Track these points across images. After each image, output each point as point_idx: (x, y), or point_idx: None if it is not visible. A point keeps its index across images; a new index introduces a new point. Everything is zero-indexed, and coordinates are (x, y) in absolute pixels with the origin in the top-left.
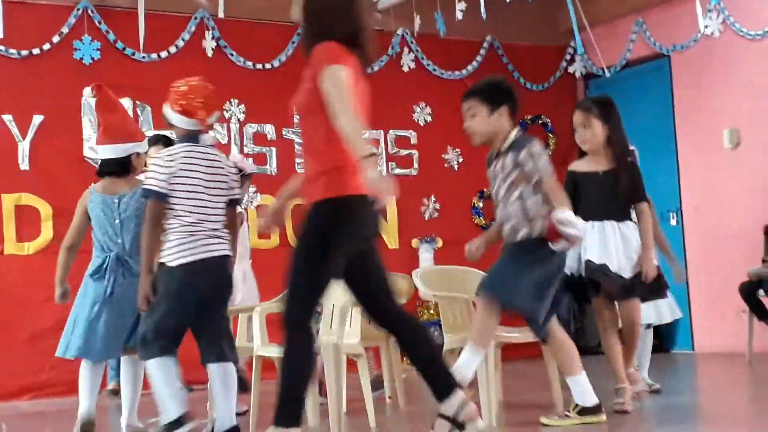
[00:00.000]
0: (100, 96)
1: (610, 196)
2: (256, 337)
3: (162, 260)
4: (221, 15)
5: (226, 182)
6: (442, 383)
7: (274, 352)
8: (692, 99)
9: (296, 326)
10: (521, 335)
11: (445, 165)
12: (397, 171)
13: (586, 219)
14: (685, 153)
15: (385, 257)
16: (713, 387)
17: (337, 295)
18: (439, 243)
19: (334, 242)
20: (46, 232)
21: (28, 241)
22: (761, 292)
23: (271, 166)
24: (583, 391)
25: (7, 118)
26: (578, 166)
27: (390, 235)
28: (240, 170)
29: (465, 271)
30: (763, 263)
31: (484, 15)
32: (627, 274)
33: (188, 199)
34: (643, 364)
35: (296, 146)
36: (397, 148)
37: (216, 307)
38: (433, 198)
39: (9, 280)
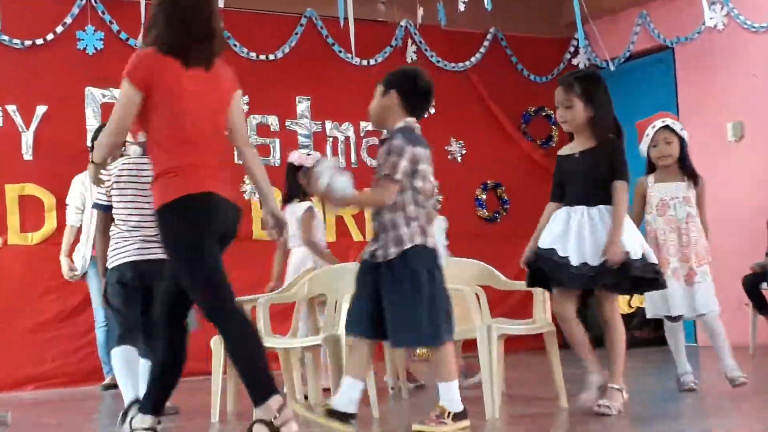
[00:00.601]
0: None
1: (583, 178)
2: (259, 328)
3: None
4: (222, 5)
5: None
6: (262, 385)
7: (278, 343)
8: (696, 92)
9: (223, 314)
10: (524, 327)
11: (448, 157)
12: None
13: (566, 206)
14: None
15: None
16: (716, 380)
17: (339, 287)
18: None
19: (189, 241)
20: (50, 222)
21: (31, 231)
22: (764, 284)
23: (275, 158)
24: (455, 399)
25: (11, 108)
26: (563, 149)
27: None
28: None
29: (468, 262)
30: (766, 256)
31: (488, 6)
32: (594, 261)
33: (123, 208)
34: (679, 361)
35: (299, 137)
36: None
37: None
38: (435, 190)
39: (12, 270)
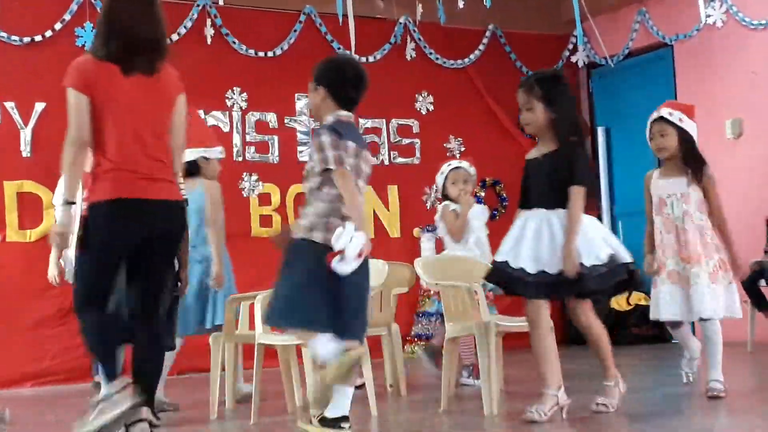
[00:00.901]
0: (192, 112)
1: (544, 182)
2: (257, 324)
3: None
4: (221, 2)
5: None
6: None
7: (276, 339)
8: (695, 89)
9: (80, 310)
10: (523, 324)
11: (447, 154)
12: (399, 160)
13: (527, 210)
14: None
15: (388, 246)
16: None
17: None
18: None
19: (87, 247)
20: (48, 219)
21: (29, 228)
22: (763, 282)
23: (273, 155)
24: (343, 405)
25: (9, 105)
26: (530, 153)
27: (391, 224)
28: None
29: (467, 259)
30: (765, 254)
31: (487, 3)
32: (551, 269)
33: None
34: (712, 364)
35: (298, 134)
36: (399, 137)
37: None
38: (435, 187)
39: (10, 268)
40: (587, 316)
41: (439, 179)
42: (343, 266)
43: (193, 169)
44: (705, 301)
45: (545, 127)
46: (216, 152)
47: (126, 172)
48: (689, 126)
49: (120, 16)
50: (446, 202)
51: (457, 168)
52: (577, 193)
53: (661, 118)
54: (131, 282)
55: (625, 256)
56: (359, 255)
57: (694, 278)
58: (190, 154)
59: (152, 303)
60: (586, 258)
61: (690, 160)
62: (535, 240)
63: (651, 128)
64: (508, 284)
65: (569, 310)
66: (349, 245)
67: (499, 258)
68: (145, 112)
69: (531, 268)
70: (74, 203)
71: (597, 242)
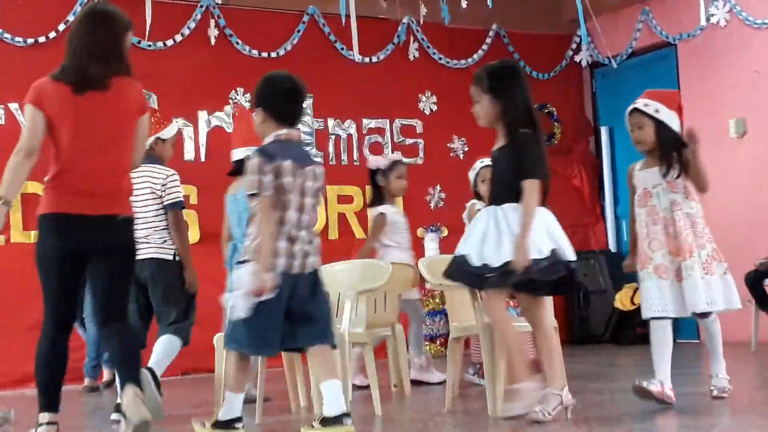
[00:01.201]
0: (240, 111)
1: (495, 178)
2: None
3: None
4: (224, 2)
5: (151, 192)
6: (41, 398)
7: None
8: (698, 88)
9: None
10: (526, 324)
11: (451, 154)
12: (403, 160)
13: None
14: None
15: None
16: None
17: (343, 285)
18: (445, 232)
19: (40, 253)
20: None
21: (34, 229)
22: (767, 281)
23: None
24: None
25: (13, 106)
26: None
27: None
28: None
29: None
30: None
31: (490, 3)
32: (495, 262)
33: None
34: (715, 361)
35: (301, 135)
36: (402, 137)
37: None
38: (438, 187)
39: (15, 268)
40: (539, 317)
41: (471, 176)
42: (235, 305)
43: (242, 168)
44: (699, 293)
45: (494, 120)
46: None
47: (69, 187)
48: (667, 117)
49: (76, 38)
50: (473, 201)
51: (489, 166)
52: (529, 187)
53: (636, 110)
54: (94, 290)
55: (568, 254)
56: (254, 293)
57: (687, 270)
58: (238, 154)
59: (116, 307)
60: (533, 251)
61: (667, 154)
62: (483, 235)
63: (628, 121)
64: (453, 273)
65: (484, 301)
66: (242, 284)
67: (458, 252)
68: (94, 129)
69: (476, 261)
70: (9, 202)
71: (539, 235)
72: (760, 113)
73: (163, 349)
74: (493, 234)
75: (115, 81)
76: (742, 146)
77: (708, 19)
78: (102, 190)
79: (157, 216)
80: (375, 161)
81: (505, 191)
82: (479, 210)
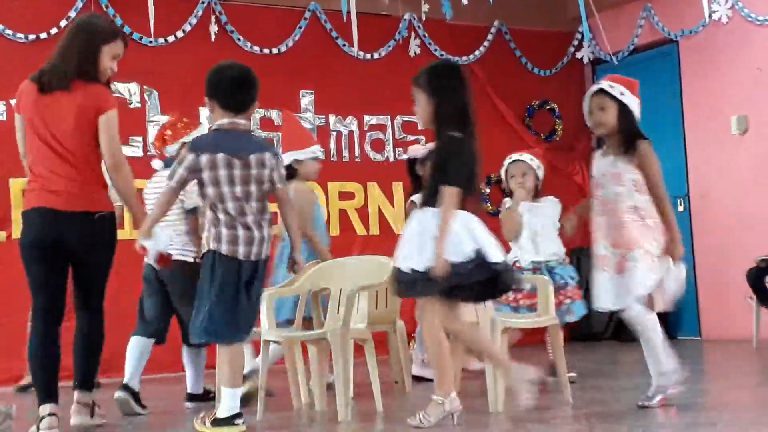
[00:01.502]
0: (285, 116)
1: (426, 180)
2: (263, 321)
3: None
4: None
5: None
6: (38, 390)
7: (281, 336)
8: (700, 85)
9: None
10: (528, 321)
11: None
12: (405, 157)
13: None
14: (693, 139)
15: (392, 243)
16: (720, 373)
17: (344, 280)
18: None
19: (22, 247)
20: None
21: None
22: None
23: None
24: (233, 407)
25: (14, 102)
26: None
27: (397, 221)
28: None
29: None
30: None
31: None
32: (419, 266)
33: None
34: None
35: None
36: (404, 134)
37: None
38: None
39: (16, 265)
40: (425, 318)
41: (502, 174)
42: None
43: (290, 172)
44: (637, 279)
45: (429, 121)
46: (309, 153)
47: (39, 184)
48: (631, 101)
49: (58, 43)
50: (504, 200)
51: (515, 161)
52: (447, 193)
53: (601, 91)
54: (75, 280)
55: (492, 256)
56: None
57: (632, 261)
58: (285, 159)
59: (87, 299)
60: (453, 256)
61: (626, 138)
62: (408, 239)
63: (590, 102)
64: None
65: (418, 309)
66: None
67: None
68: (56, 128)
69: (403, 266)
70: None
71: (461, 237)
72: (762, 110)
73: (194, 369)
74: (416, 239)
75: (78, 84)
76: (743, 143)
77: (710, 16)
78: (65, 187)
79: (178, 218)
80: (413, 150)
81: (430, 195)
82: (509, 208)
